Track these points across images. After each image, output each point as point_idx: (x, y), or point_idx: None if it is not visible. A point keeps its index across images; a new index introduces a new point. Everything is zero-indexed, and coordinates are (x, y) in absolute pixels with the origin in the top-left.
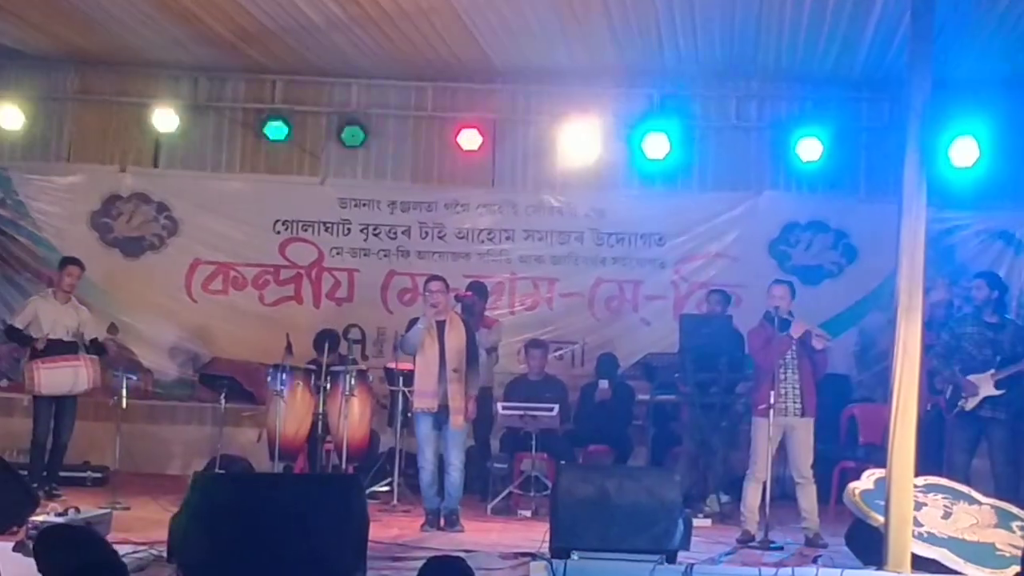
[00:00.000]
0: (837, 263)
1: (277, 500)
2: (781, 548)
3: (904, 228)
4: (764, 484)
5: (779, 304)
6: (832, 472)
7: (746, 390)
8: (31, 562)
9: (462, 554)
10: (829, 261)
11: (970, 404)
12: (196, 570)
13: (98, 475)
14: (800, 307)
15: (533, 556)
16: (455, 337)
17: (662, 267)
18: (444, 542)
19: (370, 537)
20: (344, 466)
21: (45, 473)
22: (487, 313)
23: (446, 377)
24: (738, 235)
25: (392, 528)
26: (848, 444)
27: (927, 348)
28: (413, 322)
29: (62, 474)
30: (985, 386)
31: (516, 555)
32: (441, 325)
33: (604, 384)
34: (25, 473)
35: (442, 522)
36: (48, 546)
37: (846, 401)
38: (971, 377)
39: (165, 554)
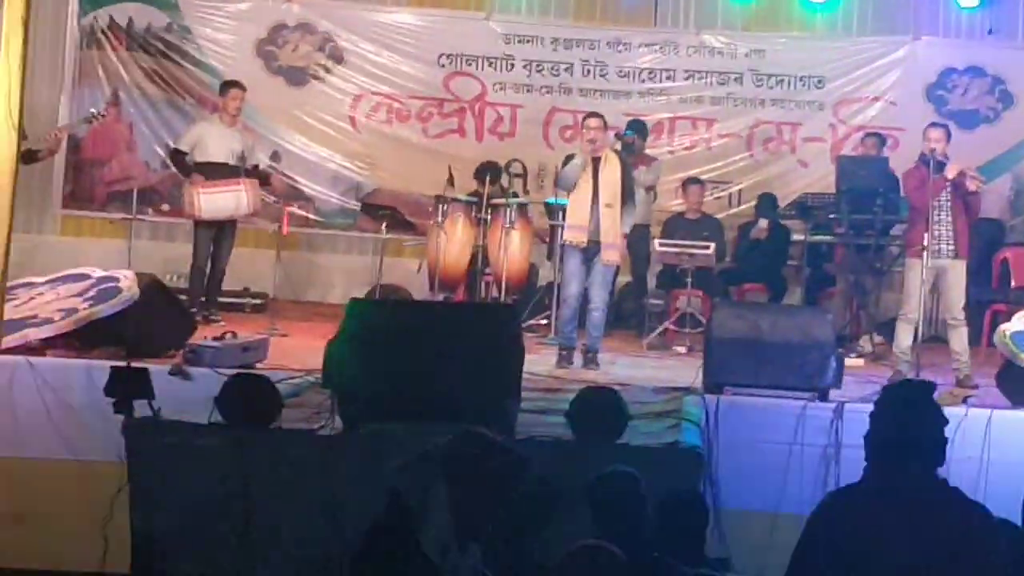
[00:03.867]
0: (993, 109)
1: (433, 327)
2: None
3: None
4: (916, 325)
5: (935, 147)
6: (984, 315)
7: (901, 232)
8: (187, 385)
9: (616, 387)
10: (985, 106)
11: None
12: (351, 396)
13: (257, 302)
14: (955, 152)
15: (686, 391)
16: (610, 172)
17: (820, 109)
18: (598, 376)
19: (525, 369)
20: (502, 298)
21: (204, 298)
22: (646, 151)
23: (598, 212)
24: (896, 79)
25: (548, 361)
26: (1000, 287)
27: None
28: (569, 159)
29: (221, 300)
30: None
31: (669, 389)
32: (596, 161)
33: (762, 223)
34: (184, 298)
35: (580, 360)
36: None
37: (999, 245)
38: None
39: (321, 380)
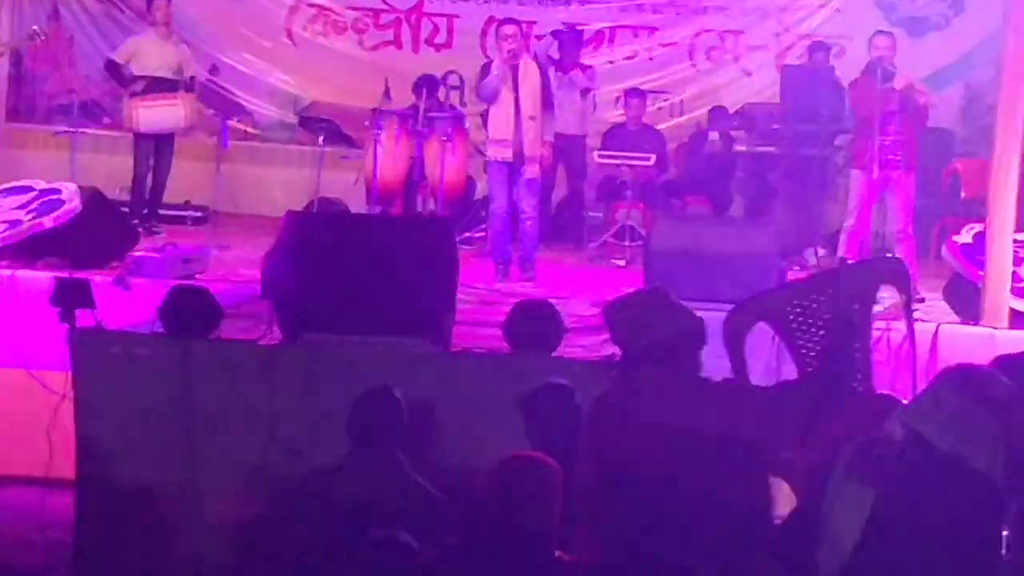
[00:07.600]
0: (944, 15)
1: (368, 241)
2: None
3: None
4: (861, 238)
5: (882, 55)
6: (932, 227)
7: (846, 143)
8: (129, 296)
9: (553, 300)
10: (936, 12)
11: None
12: (288, 307)
13: (198, 215)
14: (904, 59)
15: None
16: (530, 83)
17: (764, 17)
18: (536, 289)
19: (461, 282)
20: (439, 211)
21: (146, 211)
22: (584, 61)
23: (522, 125)
24: None
25: (485, 274)
26: (949, 199)
27: None
28: (485, 67)
29: (163, 212)
30: None
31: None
32: (515, 70)
33: (715, 136)
34: (126, 210)
35: (516, 272)
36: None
37: (949, 156)
38: None
39: (260, 292)
